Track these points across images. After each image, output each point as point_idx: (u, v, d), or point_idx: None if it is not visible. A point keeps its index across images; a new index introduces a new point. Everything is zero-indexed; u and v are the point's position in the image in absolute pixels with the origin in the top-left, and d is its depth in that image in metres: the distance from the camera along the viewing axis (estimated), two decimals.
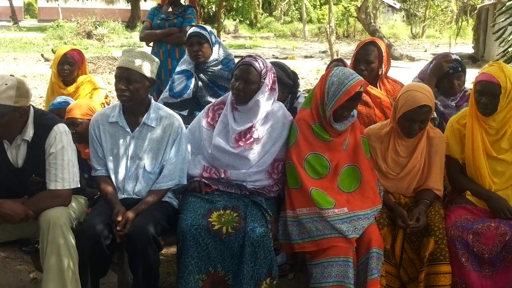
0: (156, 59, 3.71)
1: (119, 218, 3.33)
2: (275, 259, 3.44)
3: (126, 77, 3.51)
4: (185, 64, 4.86)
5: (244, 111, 3.69)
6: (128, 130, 3.63)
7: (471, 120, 3.69)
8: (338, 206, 3.47)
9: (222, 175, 3.68)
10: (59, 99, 4.60)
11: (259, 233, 3.36)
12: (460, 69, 4.31)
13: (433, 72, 4.34)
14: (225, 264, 3.41)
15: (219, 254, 3.40)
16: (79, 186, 3.44)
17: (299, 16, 34.13)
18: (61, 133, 3.31)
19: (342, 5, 29.76)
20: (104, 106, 4.89)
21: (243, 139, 3.67)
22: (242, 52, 17.36)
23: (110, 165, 3.64)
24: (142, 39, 6.37)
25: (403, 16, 35.26)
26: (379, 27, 24.48)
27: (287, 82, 4.30)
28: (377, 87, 4.37)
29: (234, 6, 32.91)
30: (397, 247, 3.57)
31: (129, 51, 3.61)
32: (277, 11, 36.78)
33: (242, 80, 3.61)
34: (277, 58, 17.97)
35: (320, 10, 35.14)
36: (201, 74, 4.77)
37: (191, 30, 4.85)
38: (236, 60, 3.93)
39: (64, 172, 3.31)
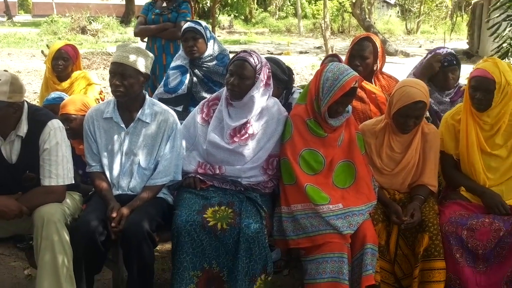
0: (151, 55, 3.70)
1: (114, 215, 3.32)
2: (270, 255, 3.44)
3: (120, 73, 3.49)
4: (180, 60, 4.84)
5: (239, 107, 3.68)
6: (123, 126, 3.62)
7: (465, 115, 3.70)
8: (333, 202, 3.47)
9: (217, 171, 3.68)
10: (54, 94, 4.58)
11: (254, 229, 3.36)
12: (454, 62, 4.30)
13: (423, 73, 4.34)
14: (220, 260, 3.41)
15: (214, 250, 3.39)
16: (73, 182, 3.43)
17: (294, 12, 34.10)
18: (55, 129, 3.30)
19: (337, 1, 29.77)
20: (99, 102, 4.88)
21: (238, 135, 3.67)
22: (237, 48, 17.35)
23: (105, 161, 3.63)
24: (136, 34, 6.35)
25: (398, 12, 35.26)
26: (374, 23, 24.48)
27: (282, 78, 4.30)
28: (372, 83, 4.37)
29: (229, 1, 32.88)
30: (392, 243, 3.57)
31: (123, 46, 3.59)
32: (272, 7, 36.73)
33: (237, 76, 3.60)
34: (272, 53, 17.97)
35: (315, 5, 35.14)
36: (196, 70, 4.76)
37: (186, 25, 4.83)
38: (231, 55, 3.92)
39: (58, 168, 3.30)
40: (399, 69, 11.68)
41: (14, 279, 4.15)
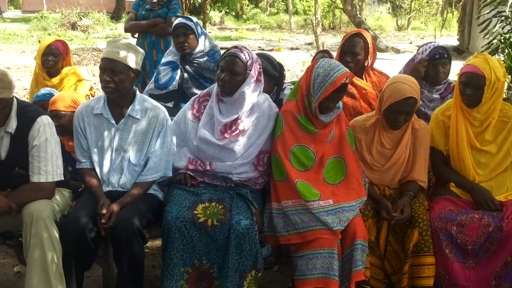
0: (141, 50, 3.68)
1: (104, 211, 3.31)
2: (260, 251, 3.44)
3: (110, 68, 3.48)
4: (170, 56, 4.83)
5: (230, 103, 3.68)
6: (113, 122, 3.61)
7: (455, 111, 3.71)
8: (323, 198, 3.47)
9: (208, 167, 3.67)
10: (43, 90, 4.56)
11: (244, 226, 3.35)
12: (445, 56, 4.30)
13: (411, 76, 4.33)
14: (210, 256, 3.40)
15: (204, 247, 3.39)
16: (63, 179, 3.42)
17: (285, 8, 34.04)
18: (44, 125, 3.28)
19: None
20: (89, 98, 4.86)
21: (229, 131, 3.66)
22: (228, 44, 17.30)
23: (95, 157, 3.62)
24: (127, 30, 6.33)
25: (389, 8, 35.28)
26: (365, 19, 24.46)
27: (273, 74, 4.29)
28: (363, 79, 4.38)
29: None
30: (382, 239, 3.58)
31: (113, 42, 3.58)
32: (263, 3, 36.67)
33: (228, 72, 3.59)
34: (263, 50, 17.93)
35: (306, 1, 35.08)
36: (187, 66, 4.75)
37: (177, 21, 4.82)
38: (222, 51, 3.91)
39: (48, 165, 3.28)
40: (390, 65, 11.68)
41: (3, 276, 4.13)
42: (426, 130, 3.79)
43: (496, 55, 5.77)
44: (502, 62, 4.82)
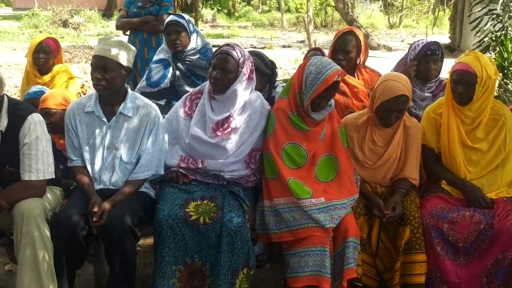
0: (133, 48, 3.67)
1: (96, 209, 3.30)
2: (252, 249, 3.44)
3: (102, 66, 3.47)
4: (162, 53, 4.82)
5: (222, 101, 3.67)
6: (105, 119, 3.60)
7: (447, 109, 3.72)
8: (315, 195, 3.48)
9: (200, 165, 3.66)
10: (35, 88, 4.53)
11: (236, 223, 3.35)
12: (437, 52, 4.30)
13: None
14: (202, 254, 3.40)
15: (196, 245, 3.38)
16: (54, 177, 3.40)
17: (277, 6, 34.00)
18: (35, 123, 3.26)
19: None
20: (80, 96, 4.85)
21: (221, 129, 3.65)
22: (220, 42, 17.29)
23: (86, 155, 3.60)
24: (118, 27, 6.31)
25: (381, 6, 35.31)
26: (357, 17, 24.47)
27: (265, 72, 4.29)
28: (355, 77, 4.38)
29: None
30: (374, 237, 3.59)
31: (105, 40, 3.56)
32: (255, 0, 36.62)
33: (220, 69, 3.59)
34: (255, 47, 17.91)
35: None
36: (179, 63, 4.74)
37: (169, 18, 4.81)
38: (214, 49, 3.91)
39: (39, 163, 3.27)
40: (381, 63, 11.70)
41: None
42: (418, 128, 3.80)
43: (488, 53, 5.81)
44: (493, 60, 4.85)
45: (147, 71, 4.86)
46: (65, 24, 23.60)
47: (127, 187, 3.53)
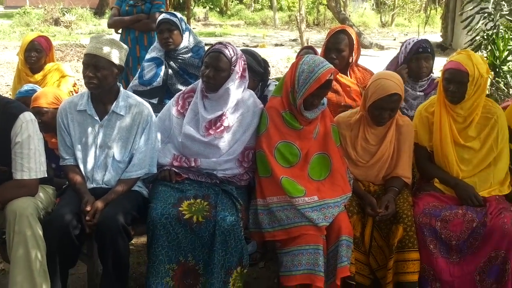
0: (125, 46, 3.66)
1: (88, 208, 3.29)
2: (245, 247, 3.44)
3: (93, 64, 3.46)
4: (155, 52, 4.81)
5: (214, 99, 3.67)
6: (97, 118, 3.59)
7: (439, 108, 3.73)
8: (308, 194, 3.48)
9: (193, 164, 3.66)
10: (26, 87, 4.52)
11: (230, 222, 3.35)
12: (429, 50, 4.31)
13: None
14: (195, 253, 3.40)
15: (189, 243, 3.38)
16: (46, 176, 3.39)
17: (269, 4, 33.97)
18: (27, 122, 3.25)
19: None
20: (72, 94, 4.83)
21: (213, 128, 3.65)
22: (212, 40, 17.23)
23: (79, 154, 3.59)
24: (110, 25, 6.29)
25: (373, 5, 35.34)
26: (349, 16, 24.48)
27: (257, 70, 4.29)
28: (347, 75, 4.38)
29: None
30: (367, 235, 3.59)
31: (97, 38, 3.55)
32: None
33: (212, 68, 3.58)
34: (247, 46, 17.89)
35: None
36: (171, 62, 4.73)
37: (161, 16, 4.80)
38: (207, 48, 3.90)
39: (31, 162, 3.25)
40: (374, 61, 11.73)
41: None
42: (410, 127, 3.80)
43: (479, 52, 5.83)
44: (485, 58, 4.87)
45: (139, 70, 4.85)
46: (56, 22, 23.50)
47: (119, 186, 3.52)
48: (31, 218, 3.12)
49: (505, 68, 5.77)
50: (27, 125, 3.24)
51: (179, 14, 4.86)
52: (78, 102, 3.63)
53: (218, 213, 3.38)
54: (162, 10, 5.92)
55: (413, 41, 4.37)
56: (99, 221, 3.27)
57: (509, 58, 5.80)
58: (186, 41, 4.75)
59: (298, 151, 3.62)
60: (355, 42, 4.33)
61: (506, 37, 5.72)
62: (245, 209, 3.56)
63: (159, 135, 3.73)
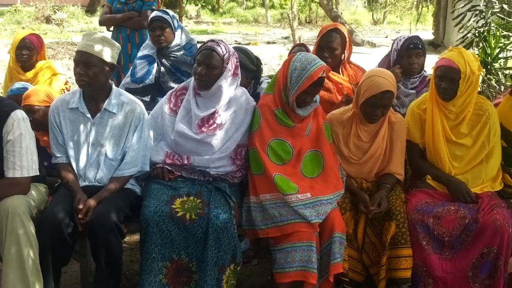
0: (117, 44, 3.65)
1: (81, 206, 3.29)
2: (238, 245, 3.44)
3: (84, 62, 3.45)
4: (147, 49, 4.80)
5: (207, 97, 3.66)
6: (89, 116, 3.58)
7: (431, 105, 3.74)
8: (301, 191, 3.48)
9: (185, 162, 3.65)
10: (18, 85, 4.50)
11: (223, 219, 3.35)
12: (420, 46, 4.31)
13: None
14: (188, 251, 3.40)
15: (182, 241, 3.38)
16: (38, 174, 3.37)
17: (261, 2, 33.96)
18: (18, 120, 3.23)
19: None
20: (64, 92, 4.81)
21: (206, 125, 3.65)
22: (205, 38, 17.20)
23: (71, 152, 3.58)
24: (101, 23, 6.27)
25: (365, 2, 35.39)
26: (341, 13, 24.50)
27: (250, 68, 4.28)
28: (339, 73, 4.39)
29: None
30: (360, 232, 3.60)
31: (89, 35, 3.54)
32: None
33: (205, 65, 3.58)
34: (239, 44, 17.88)
35: None
36: (164, 59, 4.72)
37: (153, 14, 4.79)
38: (199, 45, 3.90)
39: (23, 160, 3.24)
40: (366, 59, 11.74)
41: None
42: (403, 124, 3.81)
43: (471, 49, 5.85)
44: (477, 55, 4.89)
45: (131, 68, 4.84)
46: (48, 20, 23.39)
47: (112, 184, 3.51)
48: (24, 217, 3.11)
49: (496, 65, 5.79)
50: (18, 123, 3.23)
51: (171, 12, 4.85)
52: (70, 100, 3.62)
53: (211, 211, 3.38)
54: (154, 7, 5.92)
55: (404, 37, 4.37)
56: (91, 219, 3.26)
57: (500, 55, 5.82)
58: (178, 38, 4.75)
59: (290, 148, 3.62)
60: (347, 39, 4.33)
61: (498, 34, 5.74)
62: (238, 206, 3.57)
63: (151, 133, 3.72)
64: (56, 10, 24.38)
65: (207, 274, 3.33)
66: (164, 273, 3.37)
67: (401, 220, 3.49)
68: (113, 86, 3.66)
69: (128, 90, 4.34)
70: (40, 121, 3.90)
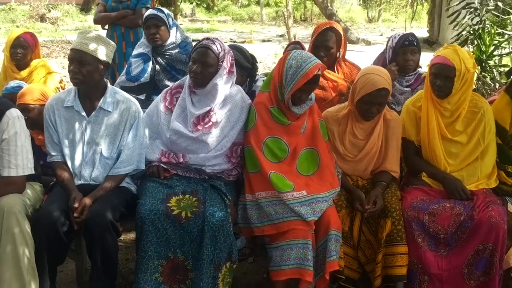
0: (112, 43, 3.65)
1: (76, 205, 3.28)
2: (234, 243, 3.44)
3: (78, 60, 3.45)
4: (142, 47, 4.79)
5: (202, 95, 3.66)
6: (84, 114, 3.57)
7: (426, 102, 3.74)
8: (297, 189, 3.48)
9: (181, 160, 3.65)
10: (12, 83, 4.49)
11: (219, 217, 3.35)
12: (415, 43, 4.32)
13: None
14: (184, 249, 3.40)
15: (178, 239, 3.38)
16: (33, 172, 3.37)
17: (256, 0, 33.96)
18: (13, 118, 3.22)
19: None
20: (59, 91, 4.81)
21: (202, 123, 3.64)
22: (200, 36, 17.19)
23: (66, 150, 3.58)
24: (96, 21, 6.27)
25: (359, 0, 35.43)
26: (336, 11, 24.52)
27: (245, 66, 4.28)
28: (334, 71, 4.39)
29: None
30: (355, 229, 3.61)
31: (83, 33, 3.54)
32: None
33: (200, 63, 3.57)
34: (234, 42, 17.88)
35: None
36: (159, 58, 4.72)
37: (148, 12, 4.78)
38: (194, 43, 3.90)
39: (18, 159, 3.23)
40: (361, 57, 11.75)
41: None
42: (398, 121, 3.82)
43: (466, 46, 5.86)
44: (472, 53, 4.89)
45: (126, 66, 4.83)
46: (42, 18, 23.34)
47: (108, 182, 3.51)
48: (19, 215, 3.11)
49: (491, 62, 5.80)
50: (13, 122, 3.22)
51: (166, 10, 4.85)
52: (65, 98, 3.61)
53: (207, 209, 3.38)
54: (149, 5, 5.91)
55: (399, 35, 4.38)
56: (87, 217, 3.26)
57: (495, 53, 5.83)
58: (173, 37, 4.74)
59: (286, 146, 3.62)
60: (342, 37, 4.33)
61: (492, 32, 5.75)
62: (234, 204, 3.57)
63: (147, 131, 3.72)
64: (51, 9, 24.33)
65: (203, 272, 3.33)
66: (160, 271, 3.37)
67: (397, 218, 3.49)
68: (108, 84, 3.66)
69: (123, 88, 4.34)
70: (35, 120, 3.89)
